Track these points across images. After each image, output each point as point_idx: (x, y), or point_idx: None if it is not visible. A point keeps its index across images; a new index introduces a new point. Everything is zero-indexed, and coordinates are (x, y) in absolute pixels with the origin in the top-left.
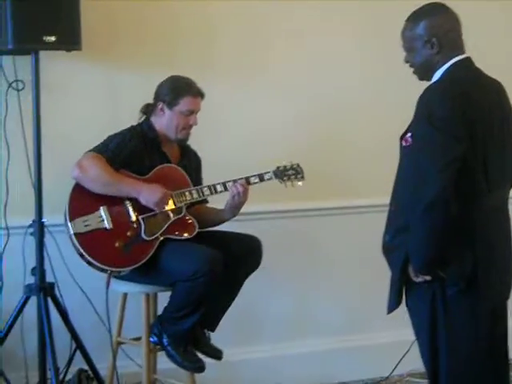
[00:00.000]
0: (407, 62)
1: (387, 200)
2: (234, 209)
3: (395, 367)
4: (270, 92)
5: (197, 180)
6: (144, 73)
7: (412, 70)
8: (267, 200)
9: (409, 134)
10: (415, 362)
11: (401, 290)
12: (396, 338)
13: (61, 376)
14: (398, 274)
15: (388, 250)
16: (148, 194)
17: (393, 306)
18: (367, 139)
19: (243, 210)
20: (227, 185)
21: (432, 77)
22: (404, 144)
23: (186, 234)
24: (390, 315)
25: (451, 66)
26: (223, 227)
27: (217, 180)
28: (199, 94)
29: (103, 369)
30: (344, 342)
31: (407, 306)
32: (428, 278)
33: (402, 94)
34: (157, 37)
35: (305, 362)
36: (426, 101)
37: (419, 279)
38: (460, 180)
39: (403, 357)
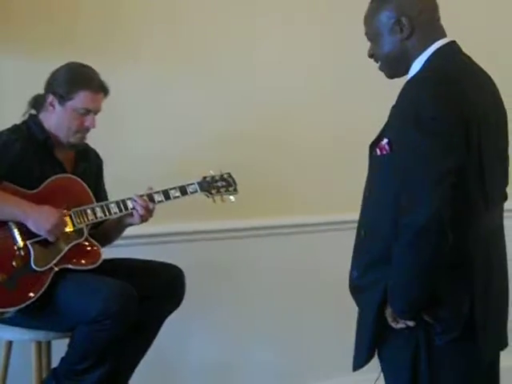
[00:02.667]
0: (371, 55)
1: (335, 217)
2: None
3: None
4: (197, 86)
5: (97, 188)
6: (34, 57)
7: (378, 65)
8: (178, 218)
9: (385, 141)
10: None
11: (374, 339)
12: None
13: None
14: (371, 320)
15: (357, 288)
16: (38, 218)
17: (362, 360)
18: (313, 146)
19: (156, 230)
20: (128, 203)
21: (407, 70)
22: (378, 153)
23: (88, 263)
24: (335, 357)
25: (432, 54)
26: (132, 253)
27: (125, 192)
28: (101, 90)
29: None
30: None
31: (380, 358)
32: (411, 323)
33: (353, 94)
34: (54, 12)
35: None
36: (408, 98)
37: (399, 325)
38: (454, 198)
39: None
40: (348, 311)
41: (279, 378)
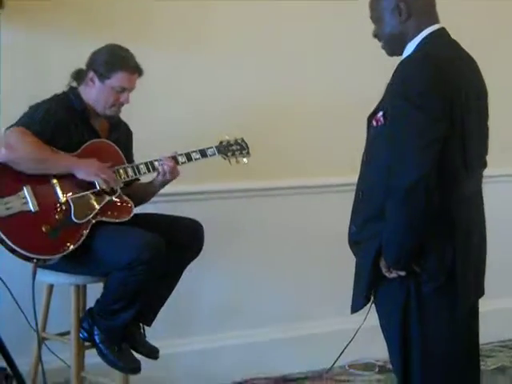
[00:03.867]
0: (375, 35)
1: (335, 180)
2: (164, 184)
3: (337, 359)
4: (212, 61)
5: (127, 156)
6: (73, 38)
7: (380, 44)
8: (197, 179)
9: (380, 113)
10: (358, 352)
11: (370, 286)
12: (340, 326)
13: None
14: (368, 269)
15: (355, 242)
16: (87, 167)
17: (359, 304)
18: (320, 114)
19: (178, 189)
20: (155, 163)
21: (403, 50)
22: (374, 124)
23: (121, 217)
24: (332, 301)
25: (426, 37)
26: (158, 210)
27: (149, 157)
28: (136, 71)
29: (23, 365)
30: (284, 331)
31: (375, 303)
32: (402, 273)
33: (363, 70)
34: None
35: (242, 353)
36: (400, 76)
37: (392, 275)
38: (439, 163)
39: (346, 347)
40: (345, 261)
41: (284, 318)
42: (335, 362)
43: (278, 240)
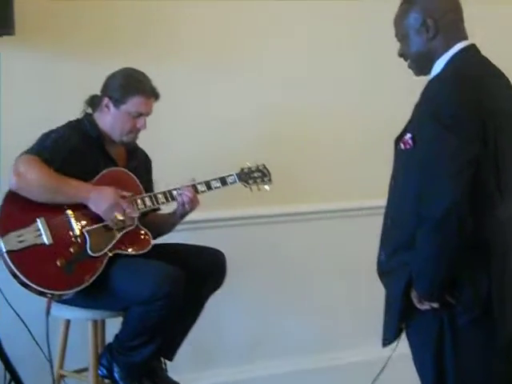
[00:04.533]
0: (401, 55)
1: (361, 204)
2: (184, 216)
3: None
4: (234, 82)
5: (147, 185)
6: (87, 61)
7: (407, 63)
8: (225, 205)
9: (408, 135)
10: (390, 381)
11: (401, 318)
12: (369, 356)
13: None
14: (399, 301)
15: (384, 272)
16: (98, 199)
17: (390, 337)
18: (344, 139)
19: (199, 217)
20: (174, 193)
21: (431, 69)
22: (402, 147)
23: (139, 249)
24: (360, 330)
25: (455, 54)
26: (178, 238)
27: (169, 184)
28: (153, 95)
29: None
30: (310, 362)
31: (407, 336)
32: (435, 305)
33: (387, 91)
34: (100, 19)
35: None
36: (430, 96)
37: (424, 306)
38: (471, 188)
39: (376, 378)
40: (372, 288)
41: (310, 349)
42: None
43: (302, 267)
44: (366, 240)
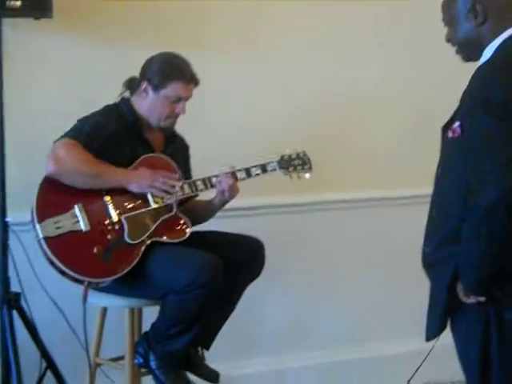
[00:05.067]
0: (448, 40)
1: (402, 193)
2: (224, 204)
3: (408, 382)
4: (271, 72)
5: (185, 171)
6: (124, 46)
7: (454, 49)
8: (260, 193)
9: (457, 124)
10: (429, 375)
11: (446, 312)
12: (408, 348)
13: None
14: (444, 294)
15: (429, 264)
16: (139, 179)
17: (434, 332)
18: (382, 127)
19: (237, 204)
20: (213, 180)
21: (480, 55)
22: (450, 135)
23: (177, 237)
24: (400, 321)
25: (505, 40)
26: (215, 226)
27: (208, 172)
28: (193, 81)
29: None
30: (350, 353)
31: (452, 330)
32: (482, 298)
33: (424, 80)
34: (141, 4)
35: (306, 376)
36: (480, 84)
37: (470, 300)
38: None
39: (418, 368)
40: (414, 279)
41: (350, 339)
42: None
43: (342, 257)
44: (408, 229)
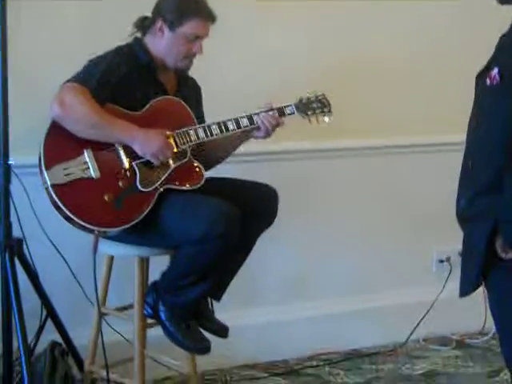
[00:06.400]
0: None
1: (423, 140)
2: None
3: (412, 332)
4: (291, 10)
5: (197, 114)
6: None
7: None
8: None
9: (495, 70)
10: (433, 326)
11: (482, 269)
12: (413, 299)
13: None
14: (482, 250)
15: (465, 218)
16: (145, 142)
17: (470, 288)
18: (404, 69)
19: (247, 150)
20: (255, 118)
21: None
22: (488, 83)
23: (191, 184)
24: (407, 271)
25: None
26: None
27: (221, 115)
28: (210, 18)
29: (78, 338)
30: (355, 303)
31: (486, 286)
32: None
33: (467, 22)
34: None
35: (310, 326)
36: None
37: (509, 255)
38: None
39: (421, 320)
40: (430, 229)
41: (354, 290)
42: (410, 335)
43: (352, 207)
44: (419, 179)
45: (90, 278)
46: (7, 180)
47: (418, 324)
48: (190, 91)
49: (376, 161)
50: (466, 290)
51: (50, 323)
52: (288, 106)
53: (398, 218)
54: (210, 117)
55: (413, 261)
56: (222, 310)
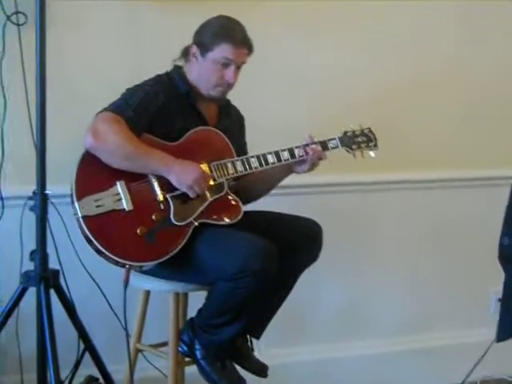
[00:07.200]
0: None
1: (476, 173)
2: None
3: (468, 374)
4: (337, 40)
5: (239, 146)
6: (178, 9)
7: None
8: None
9: None
10: (490, 368)
11: None
12: (467, 340)
13: (65, 383)
14: None
15: (508, 257)
16: (181, 173)
17: (507, 334)
18: (451, 102)
19: (290, 182)
20: (296, 151)
21: None
22: None
23: (228, 218)
24: (462, 311)
25: None
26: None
27: (263, 147)
28: (244, 45)
29: (115, 372)
30: (408, 342)
31: None
32: None
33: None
34: None
35: (358, 366)
36: None
37: None
38: None
39: (478, 362)
40: (480, 267)
41: (407, 329)
42: (466, 377)
43: (405, 241)
44: (479, 212)
45: (129, 312)
46: (44, 210)
47: (475, 366)
48: (231, 121)
49: (429, 194)
50: (502, 335)
51: (87, 357)
52: (332, 139)
53: (454, 255)
54: (250, 149)
55: (469, 300)
56: (268, 347)
